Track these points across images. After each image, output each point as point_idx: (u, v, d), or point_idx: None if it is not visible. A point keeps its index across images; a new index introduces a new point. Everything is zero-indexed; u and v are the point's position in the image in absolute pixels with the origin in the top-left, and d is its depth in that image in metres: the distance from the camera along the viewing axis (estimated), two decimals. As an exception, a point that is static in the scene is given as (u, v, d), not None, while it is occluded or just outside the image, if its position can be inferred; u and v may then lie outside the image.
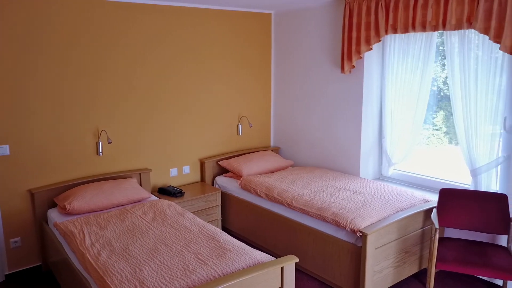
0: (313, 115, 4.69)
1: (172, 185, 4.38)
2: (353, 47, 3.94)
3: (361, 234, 3.01)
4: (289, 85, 4.93)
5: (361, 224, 3.06)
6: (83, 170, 3.82)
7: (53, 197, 3.62)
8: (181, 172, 4.48)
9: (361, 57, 3.95)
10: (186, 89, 4.37)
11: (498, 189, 3.45)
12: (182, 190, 4.15)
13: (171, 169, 4.39)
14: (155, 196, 4.07)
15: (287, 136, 5.06)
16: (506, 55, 3.18)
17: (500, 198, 3.17)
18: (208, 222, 3.97)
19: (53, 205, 3.65)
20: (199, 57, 4.41)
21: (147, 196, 3.78)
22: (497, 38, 3.00)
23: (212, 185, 4.62)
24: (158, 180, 4.31)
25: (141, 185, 4.09)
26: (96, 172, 3.89)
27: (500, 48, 2.98)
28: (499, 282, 3.38)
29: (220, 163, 4.61)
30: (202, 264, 2.52)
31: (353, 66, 4.05)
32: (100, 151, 3.81)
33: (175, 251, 2.71)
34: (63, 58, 3.56)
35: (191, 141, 4.50)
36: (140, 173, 4.09)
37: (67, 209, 3.38)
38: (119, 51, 3.86)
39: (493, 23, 2.99)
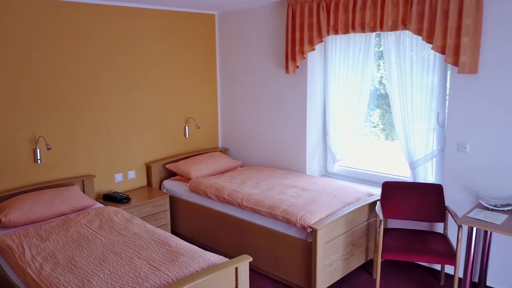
0: (260, 115, 4.74)
1: (117, 191, 4.22)
2: (297, 48, 4.03)
3: (311, 229, 3.09)
4: (236, 85, 4.94)
5: (311, 220, 3.14)
6: (19, 179, 3.57)
7: (-14, 210, 3.36)
8: (127, 178, 4.33)
9: (304, 58, 4.05)
10: (129, 91, 4.23)
11: (434, 180, 3.69)
12: (128, 196, 4.02)
13: (115, 175, 4.24)
14: (100, 203, 3.91)
15: (235, 136, 5.07)
16: (438, 54, 3.40)
17: (436, 188, 3.39)
18: (157, 227, 3.88)
19: (-14, 218, 3.38)
20: (142, 58, 4.29)
21: (92, 204, 3.62)
22: (429, 39, 3.21)
23: (160, 189, 4.52)
24: (102, 186, 4.14)
25: (84, 192, 3.90)
26: (35, 181, 3.66)
27: (432, 48, 3.19)
28: (438, 267, 3.61)
29: (167, 166, 4.51)
30: (154, 270, 2.46)
31: (297, 67, 4.14)
32: (38, 158, 3.59)
33: (125, 258, 2.62)
34: (-7, 60, 3.32)
35: (136, 145, 4.37)
36: (83, 180, 3.90)
37: (2, 222, 3.15)
38: (57, 52, 3.66)
39: (425, 24, 3.19)
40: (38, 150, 3.59)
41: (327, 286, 3.25)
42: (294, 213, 3.24)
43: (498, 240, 3.23)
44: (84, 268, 2.51)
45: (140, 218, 3.88)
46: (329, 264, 3.22)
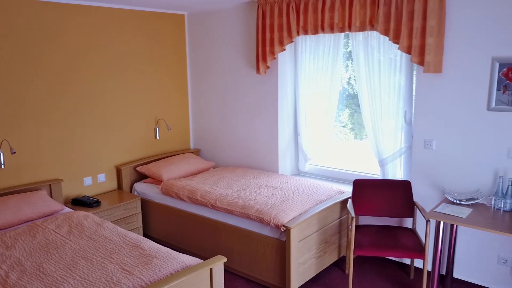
0: (232, 115, 4.73)
1: (87, 195, 4.12)
2: (267, 48, 4.06)
3: (284, 228, 3.11)
4: (207, 86, 4.91)
5: (284, 218, 3.16)
6: (-19, 185, 3.44)
7: None
8: (96, 181, 4.23)
9: (275, 58, 4.08)
10: (98, 92, 4.14)
11: (402, 177, 3.79)
12: (98, 199, 3.93)
13: (84, 178, 4.13)
14: (69, 208, 3.80)
15: (207, 137, 5.05)
16: (404, 54, 3.50)
17: (404, 185, 3.49)
18: (129, 230, 3.81)
19: None
20: (111, 59, 4.20)
21: (60, 209, 3.51)
22: (395, 39, 3.29)
23: (131, 192, 4.43)
24: (71, 190, 4.03)
25: (52, 197, 3.79)
26: (-2, 187, 3.53)
27: (398, 48, 3.28)
28: (408, 261, 3.71)
29: (138, 169, 4.44)
30: (127, 274, 2.41)
31: (268, 67, 4.16)
32: (2, 163, 3.46)
33: (96, 263, 2.56)
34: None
35: (105, 147, 4.27)
36: (50, 185, 3.78)
37: (-36, 230, 3.01)
38: (22, 52, 3.54)
39: (392, 25, 3.28)
40: (1, 154, 3.45)
41: (301, 284, 3.29)
42: (268, 212, 3.26)
43: (463, 233, 3.35)
44: (53, 275, 2.44)
45: (111, 222, 3.80)
46: (303, 262, 3.25)
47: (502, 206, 3.01)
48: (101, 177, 4.27)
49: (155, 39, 4.60)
